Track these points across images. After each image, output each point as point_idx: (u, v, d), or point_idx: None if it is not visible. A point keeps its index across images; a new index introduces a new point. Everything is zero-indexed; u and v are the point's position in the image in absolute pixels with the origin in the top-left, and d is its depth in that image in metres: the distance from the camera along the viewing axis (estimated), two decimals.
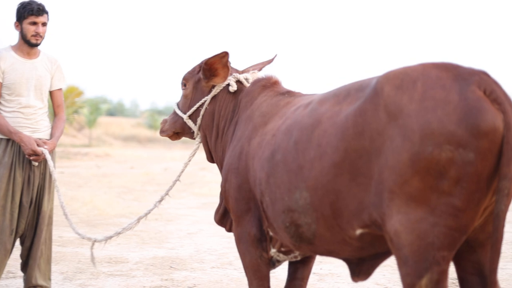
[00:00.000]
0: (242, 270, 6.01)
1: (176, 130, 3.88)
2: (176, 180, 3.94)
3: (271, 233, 3.20)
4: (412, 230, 2.36)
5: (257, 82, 3.56)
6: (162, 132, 3.96)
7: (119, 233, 4.10)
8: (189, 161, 3.90)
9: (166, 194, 3.99)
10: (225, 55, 3.52)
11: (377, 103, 2.50)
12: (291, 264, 3.52)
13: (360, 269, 2.90)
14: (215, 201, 11.59)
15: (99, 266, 5.83)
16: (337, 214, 2.66)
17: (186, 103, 3.80)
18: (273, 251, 3.27)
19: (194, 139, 3.85)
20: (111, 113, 55.15)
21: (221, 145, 3.62)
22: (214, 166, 20.20)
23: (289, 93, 3.37)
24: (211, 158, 3.80)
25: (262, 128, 3.22)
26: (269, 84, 3.50)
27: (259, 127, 3.24)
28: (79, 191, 12.05)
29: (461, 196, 2.30)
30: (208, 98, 3.67)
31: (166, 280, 5.51)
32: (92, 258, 4.16)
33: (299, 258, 3.36)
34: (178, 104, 3.88)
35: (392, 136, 2.42)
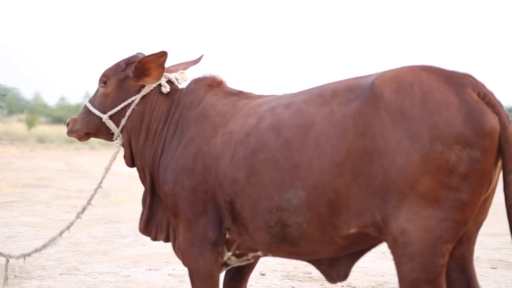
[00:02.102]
0: (95, 276, 5.70)
1: (89, 131, 3.58)
2: (97, 188, 3.63)
3: (228, 236, 3.12)
4: (421, 227, 2.51)
5: (200, 81, 3.43)
6: (71, 132, 3.60)
7: (38, 250, 3.67)
8: (110, 166, 3.61)
9: (89, 203, 3.65)
10: (163, 55, 3.33)
11: (378, 106, 2.61)
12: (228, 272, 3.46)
13: (337, 270, 2.96)
14: (12, 200, 10.79)
15: None
16: (334, 213, 2.71)
17: (106, 102, 3.51)
18: (228, 254, 3.18)
19: (112, 141, 3.57)
20: None
21: (152, 147, 3.42)
22: None
23: (242, 94, 3.32)
24: (131, 162, 3.55)
25: (222, 128, 3.12)
26: (215, 84, 3.41)
27: (219, 127, 3.14)
28: None
29: (468, 191, 2.50)
30: (137, 97, 3.44)
31: None
32: (6, 278, 3.73)
33: (251, 261, 3.31)
34: (92, 103, 3.56)
35: (397, 138, 2.55)
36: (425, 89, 2.56)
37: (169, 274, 5.88)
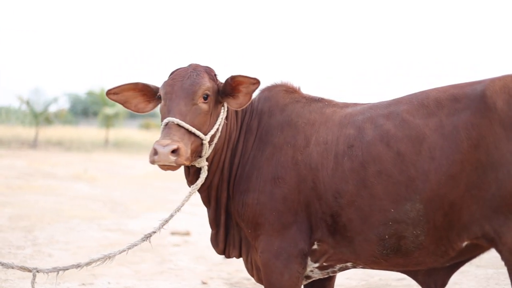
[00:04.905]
0: None
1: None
2: (177, 210, 3.29)
3: (316, 247, 3.08)
4: None
5: (274, 87, 3.37)
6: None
7: (81, 266, 3.41)
8: (195, 190, 3.22)
9: (159, 229, 3.33)
10: (256, 82, 3.11)
11: (491, 118, 2.76)
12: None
13: (435, 280, 3.06)
14: None
15: None
16: (449, 226, 2.82)
17: (206, 120, 3.12)
18: (314, 266, 3.14)
19: (190, 164, 3.11)
20: None
21: (230, 158, 3.24)
22: None
23: (325, 100, 3.29)
24: (209, 183, 3.26)
25: (314, 137, 3.09)
26: (291, 90, 3.35)
27: (310, 136, 3.10)
28: None
29: None
30: (225, 110, 3.23)
31: None
32: None
33: (337, 273, 3.26)
34: (189, 122, 3.05)
35: None
36: None
37: None
